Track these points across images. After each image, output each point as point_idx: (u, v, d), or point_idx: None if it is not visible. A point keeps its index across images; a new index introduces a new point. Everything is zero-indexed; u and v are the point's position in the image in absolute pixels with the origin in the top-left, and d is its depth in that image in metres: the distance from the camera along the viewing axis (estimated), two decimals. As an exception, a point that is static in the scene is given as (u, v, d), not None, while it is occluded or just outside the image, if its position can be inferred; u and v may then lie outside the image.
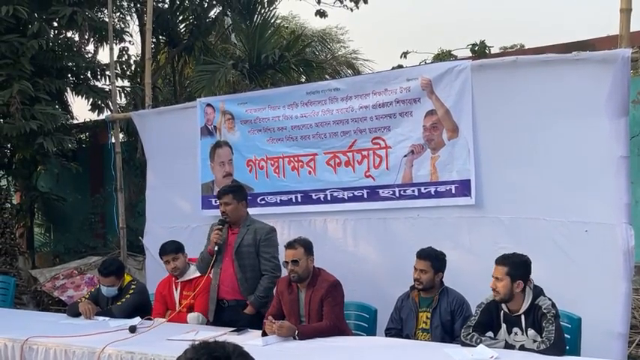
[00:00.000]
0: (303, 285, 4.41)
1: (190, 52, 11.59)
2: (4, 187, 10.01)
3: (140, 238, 7.17)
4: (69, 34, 9.78)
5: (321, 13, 11.72)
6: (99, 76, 10.03)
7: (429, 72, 5.20)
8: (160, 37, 11.49)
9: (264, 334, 4.12)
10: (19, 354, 4.26)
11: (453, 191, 5.07)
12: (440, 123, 5.10)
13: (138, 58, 11.40)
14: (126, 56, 11.36)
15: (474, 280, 4.27)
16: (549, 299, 3.68)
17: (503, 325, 3.78)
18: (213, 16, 11.66)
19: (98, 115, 9.98)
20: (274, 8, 11.21)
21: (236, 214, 4.88)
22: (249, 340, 3.91)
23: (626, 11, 4.52)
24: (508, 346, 3.67)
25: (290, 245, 4.43)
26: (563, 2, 28.06)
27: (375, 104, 5.37)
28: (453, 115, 5.04)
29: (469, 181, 4.98)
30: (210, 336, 3.90)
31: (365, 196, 5.48)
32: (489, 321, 3.82)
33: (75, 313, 5.06)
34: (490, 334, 3.79)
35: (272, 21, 11.03)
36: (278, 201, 5.93)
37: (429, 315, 4.29)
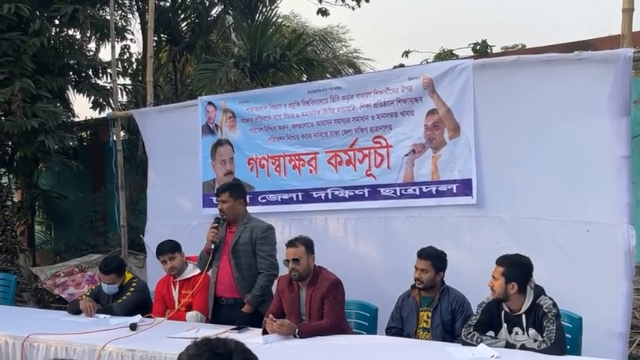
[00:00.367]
0: (304, 283, 4.41)
1: (192, 50, 11.59)
2: (5, 184, 10.01)
3: (141, 236, 7.17)
4: (70, 32, 9.77)
5: (323, 12, 11.71)
6: (100, 74, 10.03)
7: (431, 71, 5.20)
8: (162, 35, 11.49)
9: (265, 332, 4.12)
10: (20, 351, 4.26)
11: (455, 190, 5.07)
12: (441, 122, 5.10)
13: (139, 56, 11.39)
14: (127, 54, 11.36)
15: (475, 280, 4.26)
16: (550, 299, 3.68)
17: (504, 325, 3.78)
18: (215, 15, 11.67)
19: (99, 112, 10.00)
20: (276, 7, 11.22)
21: (233, 212, 4.87)
22: (250, 339, 3.90)
23: (629, 11, 4.52)
24: (509, 345, 3.67)
25: (291, 244, 4.43)
26: (564, 2, 28.04)
27: (376, 103, 5.37)
28: (454, 115, 5.04)
29: (470, 180, 4.99)
30: (211, 334, 3.90)
31: (366, 195, 5.48)
32: (490, 320, 3.82)
33: (76, 311, 5.07)
34: (491, 333, 3.79)
35: (273, 20, 11.04)
36: (279, 199, 5.93)
37: (429, 314, 4.29)
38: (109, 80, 9.88)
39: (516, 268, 3.72)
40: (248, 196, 5.27)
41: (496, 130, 4.90)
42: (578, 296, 4.21)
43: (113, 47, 8.00)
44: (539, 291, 3.73)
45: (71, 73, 9.86)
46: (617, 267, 4.31)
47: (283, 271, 4.65)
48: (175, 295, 5.05)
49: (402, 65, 7.71)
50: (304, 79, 10.39)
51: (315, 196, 5.74)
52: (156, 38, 10.74)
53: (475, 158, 4.95)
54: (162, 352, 3.80)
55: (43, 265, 9.61)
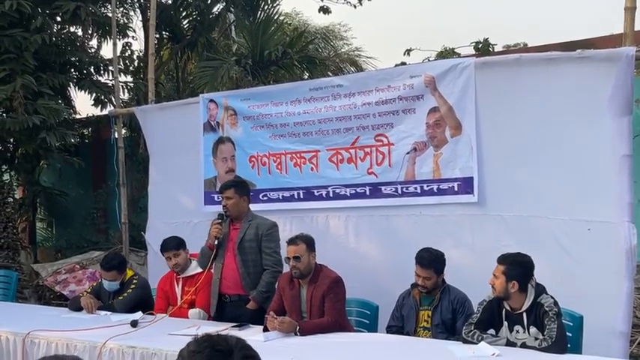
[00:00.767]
0: (305, 281, 4.41)
1: (193, 48, 11.57)
2: (7, 181, 10.03)
3: (142, 233, 7.17)
4: (72, 29, 9.78)
5: (325, 10, 11.70)
6: (102, 71, 10.03)
7: (433, 69, 5.20)
8: (164, 32, 11.48)
9: (266, 329, 4.13)
10: (21, 347, 4.27)
11: (456, 189, 5.06)
12: (443, 120, 5.10)
13: (141, 54, 11.39)
14: (129, 51, 11.34)
15: (475, 278, 4.26)
16: (551, 297, 3.68)
17: (505, 323, 3.78)
18: (217, 12, 11.66)
19: (101, 110, 10.01)
20: (277, 5, 11.19)
21: (237, 208, 4.87)
22: (251, 336, 3.89)
23: (631, 10, 4.52)
24: (510, 343, 3.66)
25: (292, 241, 4.43)
26: (566, 1, 28.01)
27: (377, 101, 5.37)
28: (456, 113, 5.04)
29: (472, 178, 4.98)
30: (211, 331, 3.90)
31: (367, 193, 5.48)
32: (491, 318, 3.82)
33: (77, 308, 5.07)
34: (492, 331, 3.79)
35: (275, 17, 11.01)
36: (280, 197, 5.93)
37: (430, 313, 4.28)
38: (110, 77, 9.89)
39: (517, 267, 3.72)
40: (250, 194, 5.27)
41: (498, 128, 4.89)
42: (579, 295, 4.21)
43: (115, 44, 8.00)
44: (540, 289, 3.73)
45: (73, 70, 9.87)
46: (618, 266, 4.31)
47: (285, 268, 4.65)
48: (178, 291, 5.05)
49: (403, 63, 7.69)
50: (306, 77, 10.38)
51: (316, 193, 5.74)
52: (157, 36, 10.73)
53: (476, 156, 4.95)
54: (163, 349, 3.81)
55: (44, 262, 9.62)
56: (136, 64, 11.42)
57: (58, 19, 9.38)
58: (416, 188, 5.25)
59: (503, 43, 12.43)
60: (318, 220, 5.76)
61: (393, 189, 5.35)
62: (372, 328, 4.63)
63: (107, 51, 10.59)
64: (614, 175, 4.37)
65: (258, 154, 6.04)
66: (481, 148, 4.95)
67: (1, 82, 8.24)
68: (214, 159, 6.31)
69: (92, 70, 9.96)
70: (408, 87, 5.23)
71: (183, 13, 11.54)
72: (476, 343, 3.65)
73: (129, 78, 11.09)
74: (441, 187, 5.14)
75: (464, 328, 3.83)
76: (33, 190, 10.44)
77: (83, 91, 9.72)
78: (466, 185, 5.01)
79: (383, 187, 5.40)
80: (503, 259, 3.79)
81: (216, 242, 4.80)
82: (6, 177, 10.27)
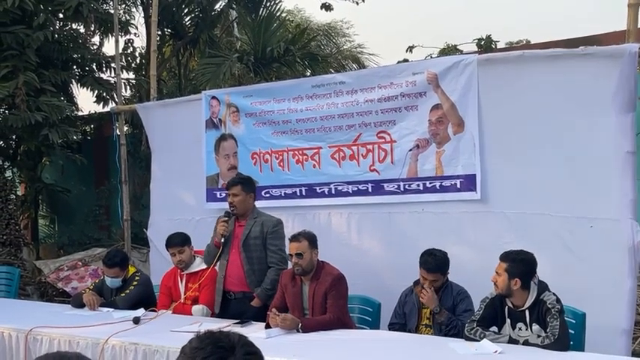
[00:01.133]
0: (307, 278, 4.40)
1: (195, 44, 11.58)
2: (9, 178, 10.03)
3: (144, 230, 7.18)
4: (74, 26, 9.79)
5: (327, 7, 11.69)
6: (104, 68, 10.05)
7: (435, 66, 5.18)
8: (166, 29, 11.49)
9: (268, 326, 4.13)
10: (24, 344, 4.27)
11: (458, 186, 5.05)
12: (445, 117, 5.09)
13: (143, 51, 11.40)
14: (131, 48, 11.37)
15: (478, 275, 4.25)
16: (554, 294, 3.67)
17: (508, 320, 3.78)
18: (219, 9, 11.65)
19: (103, 107, 10.02)
20: (280, 1, 11.20)
21: (244, 205, 4.87)
22: (253, 333, 3.90)
23: (634, 6, 4.50)
24: (512, 341, 3.66)
25: (294, 238, 4.43)
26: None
27: (380, 98, 5.36)
28: (458, 110, 5.03)
29: (474, 175, 4.97)
30: (214, 328, 3.90)
31: (369, 190, 5.47)
32: (493, 316, 3.82)
33: (79, 304, 5.07)
34: (494, 328, 3.79)
35: (277, 14, 11.02)
36: (282, 194, 5.92)
37: (432, 311, 4.28)
38: (112, 74, 9.90)
39: (519, 264, 3.71)
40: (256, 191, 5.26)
41: (500, 125, 4.88)
42: (581, 292, 4.19)
43: (117, 41, 8.00)
44: (543, 287, 3.72)
45: (75, 67, 9.88)
46: (621, 263, 4.30)
47: (288, 265, 4.65)
48: (182, 288, 5.05)
49: (406, 60, 7.70)
50: (308, 73, 10.38)
51: (318, 191, 5.73)
52: (159, 32, 10.74)
53: (479, 154, 4.94)
54: (165, 346, 3.81)
55: (47, 258, 9.64)
56: (138, 61, 11.44)
57: (61, 15, 9.38)
58: (418, 185, 5.24)
59: (506, 40, 12.43)
60: (320, 217, 5.76)
61: (396, 186, 5.34)
62: (375, 325, 4.63)
63: (109, 48, 10.65)
64: (617, 172, 4.35)
65: (260, 151, 6.04)
66: (484, 145, 4.93)
67: (3, 78, 8.25)
68: (216, 156, 6.31)
69: (94, 67, 9.97)
70: (411, 84, 5.22)
71: (186, 10, 11.54)
72: (478, 340, 3.65)
73: (131, 75, 11.11)
74: (443, 184, 5.13)
75: (466, 325, 3.82)
76: (35, 186, 10.45)
77: (85, 88, 9.74)
78: (469, 182, 5.00)
79: (385, 184, 5.39)
80: (506, 257, 3.78)
81: (222, 240, 4.80)
82: (8, 174, 10.28)
